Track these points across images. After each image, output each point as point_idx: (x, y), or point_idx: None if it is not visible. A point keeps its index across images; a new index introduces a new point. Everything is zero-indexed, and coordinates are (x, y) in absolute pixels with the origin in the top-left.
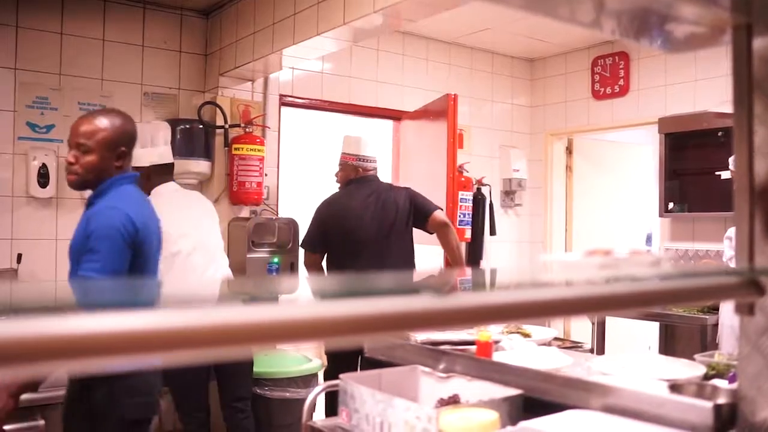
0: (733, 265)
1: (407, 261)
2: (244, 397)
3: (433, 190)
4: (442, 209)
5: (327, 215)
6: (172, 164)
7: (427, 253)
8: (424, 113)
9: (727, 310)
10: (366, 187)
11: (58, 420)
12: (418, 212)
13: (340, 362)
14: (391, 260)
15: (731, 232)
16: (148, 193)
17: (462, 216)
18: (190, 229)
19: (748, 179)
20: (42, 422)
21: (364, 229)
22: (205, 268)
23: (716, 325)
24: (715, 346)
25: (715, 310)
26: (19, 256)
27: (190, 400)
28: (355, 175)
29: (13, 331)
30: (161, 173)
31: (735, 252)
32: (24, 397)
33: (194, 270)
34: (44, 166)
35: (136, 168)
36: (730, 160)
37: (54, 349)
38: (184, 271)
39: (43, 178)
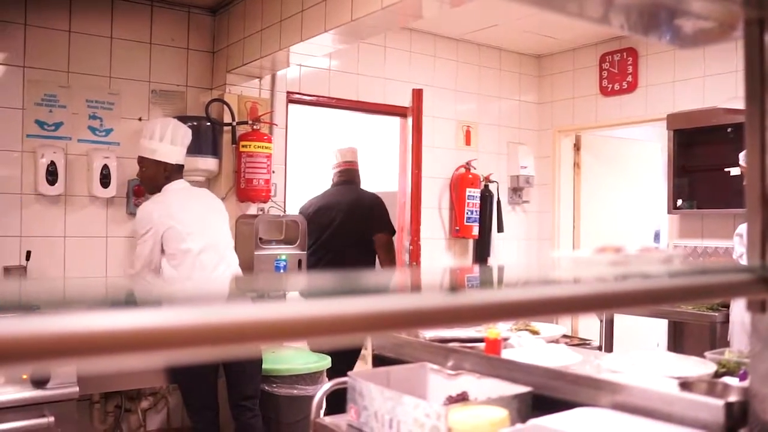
0: (744, 262)
1: (360, 262)
2: (252, 396)
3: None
4: (388, 232)
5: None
6: (183, 165)
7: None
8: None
9: (738, 307)
10: (333, 190)
11: (67, 416)
12: (373, 226)
13: (340, 359)
14: (345, 261)
15: (742, 228)
16: (159, 190)
17: (469, 213)
18: (200, 227)
19: (760, 175)
20: (51, 419)
21: (315, 226)
22: (215, 265)
23: (726, 322)
24: (724, 343)
25: (724, 307)
26: (28, 254)
27: (198, 398)
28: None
29: (24, 328)
30: (178, 171)
31: (746, 249)
32: (33, 393)
33: (204, 268)
34: (53, 163)
35: (161, 163)
36: (741, 155)
37: (63, 346)
38: (193, 269)
39: (51, 175)
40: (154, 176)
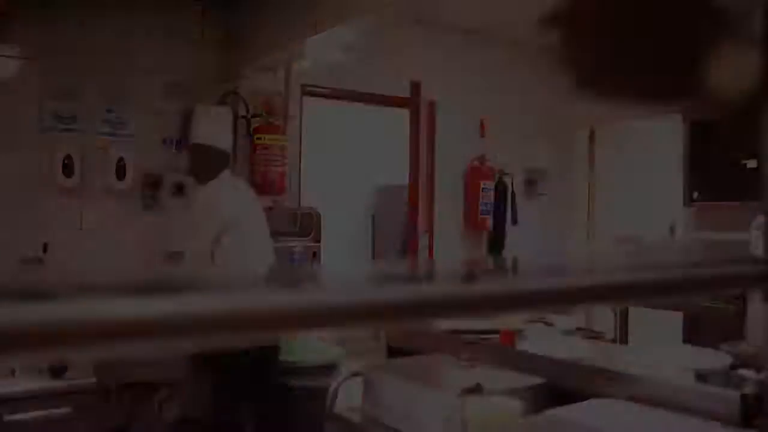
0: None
1: None
2: (275, 383)
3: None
4: None
5: None
6: None
7: None
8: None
9: (754, 300)
10: None
11: (84, 406)
12: None
13: None
14: None
15: (759, 220)
16: (213, 178)
17: (484, 206)
18: (255, 215)
19: None
20: (69, 409)
21: None
22: (264, 251)
23: (741, 315)
24: (740, 336)
25: (740, 299)
26: (45, 246)
27: (229, 388)
28: None
29: (51, 315)
30: None
31: (763, 240)
32: (51, 383)
33: (257, 252)
34: (69, 156)
35: (222, 150)
36: None
37: (90, 333)
38: (249, 254)
39: (67, 168)
40: (212, 164)
